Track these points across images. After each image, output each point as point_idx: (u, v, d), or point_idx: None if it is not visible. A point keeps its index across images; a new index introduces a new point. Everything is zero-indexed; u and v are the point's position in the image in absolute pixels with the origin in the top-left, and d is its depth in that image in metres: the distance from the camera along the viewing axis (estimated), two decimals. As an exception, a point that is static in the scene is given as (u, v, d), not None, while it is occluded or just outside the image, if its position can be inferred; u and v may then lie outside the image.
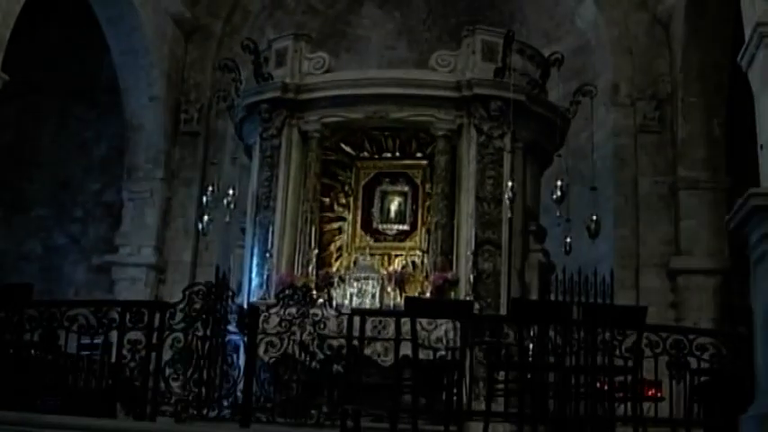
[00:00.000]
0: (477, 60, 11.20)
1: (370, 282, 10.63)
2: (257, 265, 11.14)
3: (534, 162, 11.84)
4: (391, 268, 11.37)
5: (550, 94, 13.09)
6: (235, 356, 8.23)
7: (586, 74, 14.24)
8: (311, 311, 6.95)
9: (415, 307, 6.53)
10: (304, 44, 11.72)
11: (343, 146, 11.97)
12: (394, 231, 11.75)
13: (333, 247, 11.80)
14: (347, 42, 15.82)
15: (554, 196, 10.65)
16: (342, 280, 10.79)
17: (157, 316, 7.15)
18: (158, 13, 13.83)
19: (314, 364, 7.96)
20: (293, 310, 7.02)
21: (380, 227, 11.77)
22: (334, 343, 7.75)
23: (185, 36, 14.58)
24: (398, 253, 11.64)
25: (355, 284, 10.66)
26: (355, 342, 8.03)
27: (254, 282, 11.07)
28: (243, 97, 11.79)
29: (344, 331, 6.84)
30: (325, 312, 6.93)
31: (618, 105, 13.81)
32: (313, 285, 10.88)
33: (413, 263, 11.41)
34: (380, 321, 7.76)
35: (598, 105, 14.04)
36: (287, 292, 7.14)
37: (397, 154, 12.00)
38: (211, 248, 13.99)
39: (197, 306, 7.11)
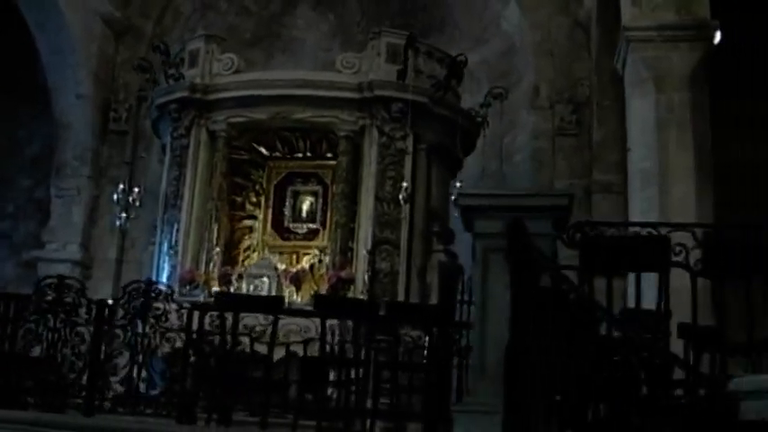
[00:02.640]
0: (381, 62, 11.37)
1: (266, 279, 10.79)
2: (165, 262, 11.36)
3: (440, 164, 11.95)
4: (299, 266, 11.59)
5: (474, 96, 13.24)
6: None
7: (511, 77, 14.40)
8: (154, 305, 7.12)
9: (224, 302, 6.73)
10: (215, 45, 11.90)
11: (255, 146, 12.16)
12: (304, 230, 11.95)
13: (242, 246, 11.99)
14: (282, 44, 15.95)
15: (452, 197, 10.86)
16: (240, 277, 10.97)
17: (12, 307, 7.42)
18: (87, 13, 13.97)
19: (192, 358, 8.14)
20: (138, 303, 7.19)
21: (291, 225, 11.97)
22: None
23: (116, 36, 14.71)
24: (307, 252, 11.83)
25: (252, 282, 10.84)
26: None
27: (163, 278, 11.26)
28: (155, 97, 12.01)
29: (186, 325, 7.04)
30: (166, 306, 7.09)
31: (537, 108, 13.92)
32: (216, 282, 11.14)
33: (319, 261, 11.59)
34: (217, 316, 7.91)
35: (520, 108, 14.24)
36: (133, 285, 7.30)
37: (309, 154, 12.19)
38: (137, 246, 14.12)
39: (48, 298, 7.29)
